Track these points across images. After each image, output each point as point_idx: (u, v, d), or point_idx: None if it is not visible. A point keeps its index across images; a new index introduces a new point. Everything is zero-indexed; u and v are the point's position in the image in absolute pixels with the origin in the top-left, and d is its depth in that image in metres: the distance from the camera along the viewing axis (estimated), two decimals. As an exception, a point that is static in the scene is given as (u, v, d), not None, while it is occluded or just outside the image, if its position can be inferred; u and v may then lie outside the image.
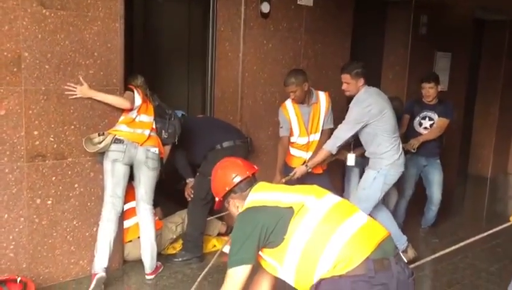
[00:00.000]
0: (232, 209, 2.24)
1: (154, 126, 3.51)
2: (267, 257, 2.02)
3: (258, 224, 1.96)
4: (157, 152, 3.46)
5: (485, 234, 2.74)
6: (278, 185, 2.26)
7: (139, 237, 3.64)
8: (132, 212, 3.64)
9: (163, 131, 3.54)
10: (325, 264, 1.85)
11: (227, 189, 2.19)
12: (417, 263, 3.22)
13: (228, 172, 2.22)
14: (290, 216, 1.94)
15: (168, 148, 3.69)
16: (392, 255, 1.90)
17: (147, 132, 3.44)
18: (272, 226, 1.94)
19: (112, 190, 3.38)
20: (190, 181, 4.01)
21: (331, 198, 2.07)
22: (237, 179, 2.18)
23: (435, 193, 4.62)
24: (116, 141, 3.34)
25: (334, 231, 1.89)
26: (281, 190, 2.14)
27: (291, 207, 1.96)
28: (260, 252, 2.02)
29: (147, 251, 3.52)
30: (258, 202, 2.06)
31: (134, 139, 3.39)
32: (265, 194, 2.10)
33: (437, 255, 2.80)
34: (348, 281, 1.81)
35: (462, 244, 2.63)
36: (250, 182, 2.19)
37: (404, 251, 3.85)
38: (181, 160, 4.00)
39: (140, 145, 3.39)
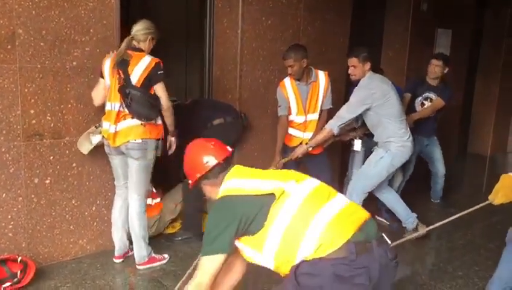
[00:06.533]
0: (207, 194, 2.16)
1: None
2: (245, 245, 1.97)
3: (237, 214, 1.90)
4: (138, 141, 3.15)
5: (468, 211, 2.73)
6: (255, 170, 2.13)
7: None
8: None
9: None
10: (307, 248, 1.81)
11: (198, 176, 2.09)
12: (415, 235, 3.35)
13: (199, 157, 2.07)
14: (271, 203, 1.89)
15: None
16: (374, 238, 1.85)
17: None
18: (252, 215, 1.89)
19: (116, 180, 3.41)
20: None
21: (310, 182, 2.02)
22: (209, 166, 2.06)
23: (440, 168, 4.80)
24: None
25: (314, 215, 1.86)
26: (259, 176, 2.04)
27: (272, 193, 1.91)
28: (236, 241, 1.96)
29: (135, 242, 3.37)
30: (235, 190, 1.96)
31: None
32: (243, 182, 2.01)
33: (431, 227, 2.87)
34: (328, 263, 1.77)
35: (452, 218, 2.67)
36: (223, 167, 2.07)
37: (415, 229, 3.89)
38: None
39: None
